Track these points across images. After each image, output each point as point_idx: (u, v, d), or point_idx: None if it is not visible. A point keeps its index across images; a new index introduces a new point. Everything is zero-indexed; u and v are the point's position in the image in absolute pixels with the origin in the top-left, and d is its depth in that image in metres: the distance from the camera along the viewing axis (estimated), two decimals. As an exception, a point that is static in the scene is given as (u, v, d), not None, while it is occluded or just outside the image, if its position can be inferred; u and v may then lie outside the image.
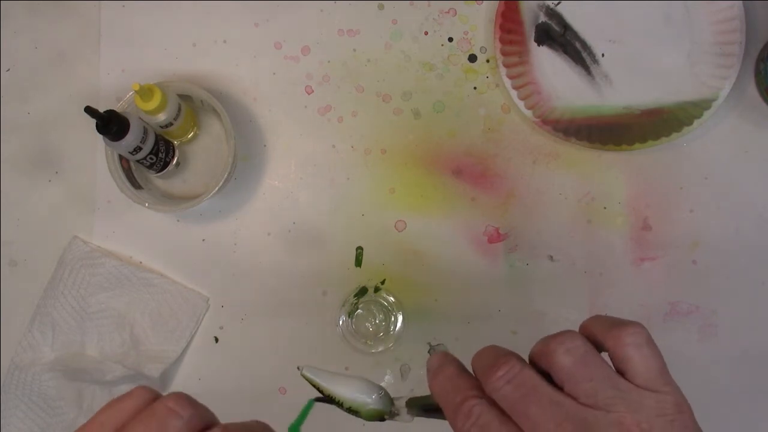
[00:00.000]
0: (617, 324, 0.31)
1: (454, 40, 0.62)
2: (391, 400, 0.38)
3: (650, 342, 0.31)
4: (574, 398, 0.30)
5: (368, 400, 0.38)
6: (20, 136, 0.64)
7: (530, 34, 0.62)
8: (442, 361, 0.35)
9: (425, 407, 0.37)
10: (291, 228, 0.62)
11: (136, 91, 0.54)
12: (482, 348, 0.35)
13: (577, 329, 0.62)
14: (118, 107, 0.58)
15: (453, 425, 0.32)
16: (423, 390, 0.63)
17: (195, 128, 0.62)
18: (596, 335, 0.32)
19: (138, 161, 0.57)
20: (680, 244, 0.61)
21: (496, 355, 0.32)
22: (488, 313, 0.61)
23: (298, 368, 0.38)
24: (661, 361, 0.31)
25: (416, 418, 0.38)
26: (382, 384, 0.61)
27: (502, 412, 0.31)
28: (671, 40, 0.61)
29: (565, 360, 0.30)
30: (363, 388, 0.38)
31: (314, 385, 0.38)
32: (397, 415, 0.38)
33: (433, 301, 0.61)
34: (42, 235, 0.63)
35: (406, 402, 0.38)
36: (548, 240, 0.61)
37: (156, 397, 0.31)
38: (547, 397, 0.30)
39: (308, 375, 0.38)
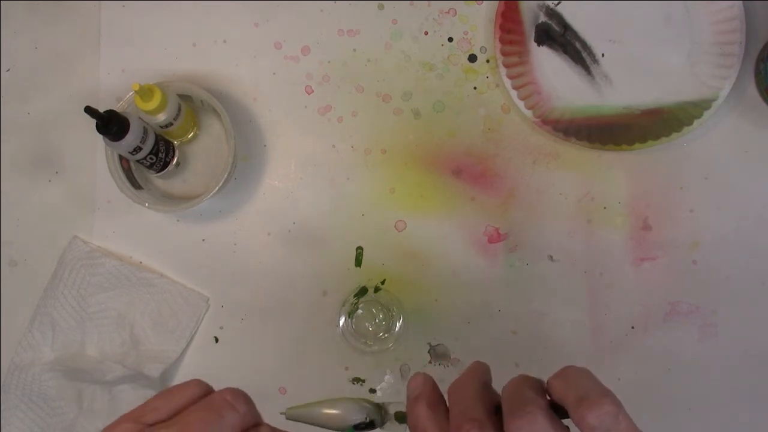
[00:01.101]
0: (584, 399, 0.29)
1: (454, 40, 0.62)
2: (381, 413, 0.38)
3: (617, 424, 0.29)
4: None
5: (357, 421, 0.37)
6: (20, 136, 0.64)
7: (530, 34, 0.62)
8: (419, 391, 0.34)
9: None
10: (291, 228, 0.62)
11: (136, 91, 0.54)
12: (459, 381, 0.34)
13: (575, 330, 0.62)
14: (118, 107, 0.58)
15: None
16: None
17: (195, 128, 0.62)
18: (564, 402, 0.30)
19: (138, 161, 0.57)
20: (680, 244, 0.61)
21: (465, 411, 0.31)
22: (488, 313, 0.61)
23: (281, 413, 0.37)
24: None
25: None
26: (383, 383, 0.61)
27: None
28: (671, 40, 0.61)
29: None
30: (350, 410, 0.37)
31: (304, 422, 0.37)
32: (388, 421, 0.38)
33: (433, 301, 0.61)
34: (42, 235, 0.63)
35: (395, 414, 0.38)
36: (548, 240, 0.61)
37: (210, 390, 0.31)
38: None
39: (293, 416, 0.37)
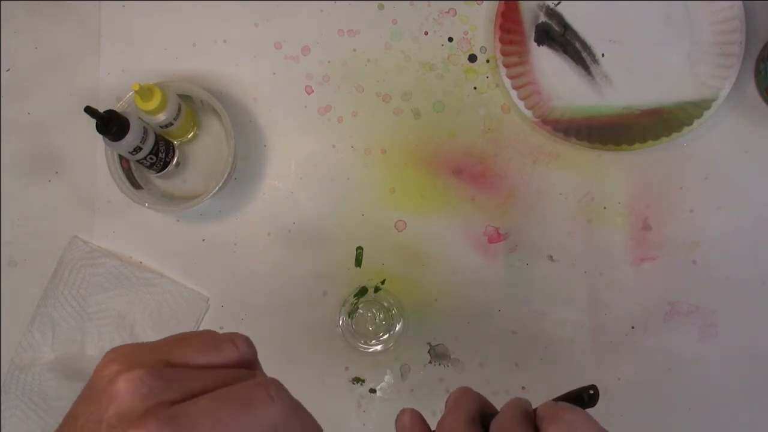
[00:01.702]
0: None
1: (454, 40, 0.62)
2: None
3: None
4: None
5: None
6: (20, 136, 0.64)
7: (530, 34, 0.62)
8: (406, 431, 0.35)
9: None
10: (291, 228, 0.62)
11: (136, 91, 0.54)
12: (445, 419, 0.34)
13: (575, 330, 0.62)
14: (118, 107, 0.58)
15: None
16: (422, 391, 0.63)
17: (195, 128, 0.62)
18: None
19: (138, 161, 0.57)
20: (680, 244, 0.61)
21: None
22: (488, 313, 0.61)
23: None
24: None
25: None
26: (383, 383, 0.61)
27: None
28: (671, 40, 0.61)
29: None
30: None
31: None
32: None
33: (433, 301, 0.61)
34: (42, 235, 0.63)
35: None
36: (548, 240, 0.61)
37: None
38: None
39: None
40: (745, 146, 0.61)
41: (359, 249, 0.62)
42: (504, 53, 0.60)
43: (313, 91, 0.63)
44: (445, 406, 0.35)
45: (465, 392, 0.35)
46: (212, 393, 0.27)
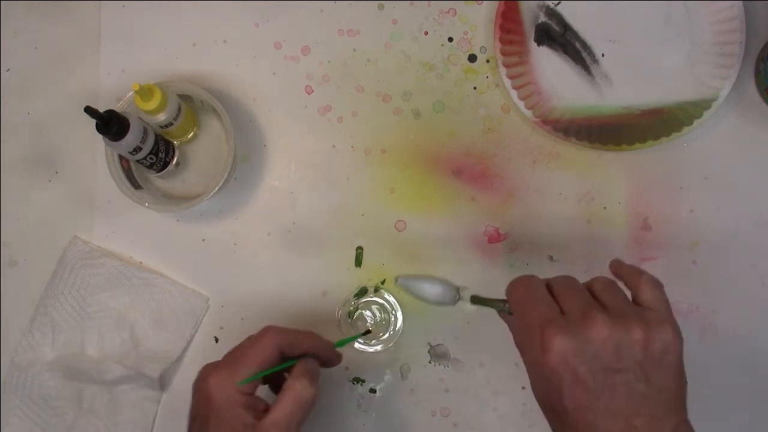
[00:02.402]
0: (643, 274, 0.44)
1: (454, 40, 0.62)
2: (457, 292, 0.55)
3: (660, 287, 0.44)
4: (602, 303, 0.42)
5: (437, 297, 0.55)
6: (20, 136, 0.64)
7: (530, 34, 0.62)
8: (528, 279, 0.45)
9: (483, 301, 0.51)
10: (291, 228, 0.62)
11: (136, 91, 0.54)
12: (566, 278, 0.45)
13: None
14: (118, 107, 0.58)
15: (509, 284, 0.45)
16: (422, 391, 0.63)
17: (195, 128, 0.62)
18: (623, 278, 0.45)
19: (138, 161, 0.57)
20: (680, 244, 0.61)
21: (589, 301, 0.42)
22: (488, 313, 0.61)
23: (395, 280, 0.57)
24: (667, 304, 0.43)
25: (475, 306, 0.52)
26: (383, 383, 0.61)
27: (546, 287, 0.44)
28: (671, 40, 0.61)
29: (596, 285, 0.44)
30: (442, 288, 0.55)
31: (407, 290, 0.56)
32: (460, 299, 0.55)
33: (433, 301, 0.61)
34: (42, 235, 0.63)
35: (471, 297, 0.52)
36: (548, 240, 0.61)
37: None
38: (584, 294, 0.42)
39: (402, 284, 0.56)
40: (745, 146, 0.61)
41: (359, 249, 0.62)
42: (504, 53, 0.60)
43: (313, 91, 0.63)
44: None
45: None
46: None
